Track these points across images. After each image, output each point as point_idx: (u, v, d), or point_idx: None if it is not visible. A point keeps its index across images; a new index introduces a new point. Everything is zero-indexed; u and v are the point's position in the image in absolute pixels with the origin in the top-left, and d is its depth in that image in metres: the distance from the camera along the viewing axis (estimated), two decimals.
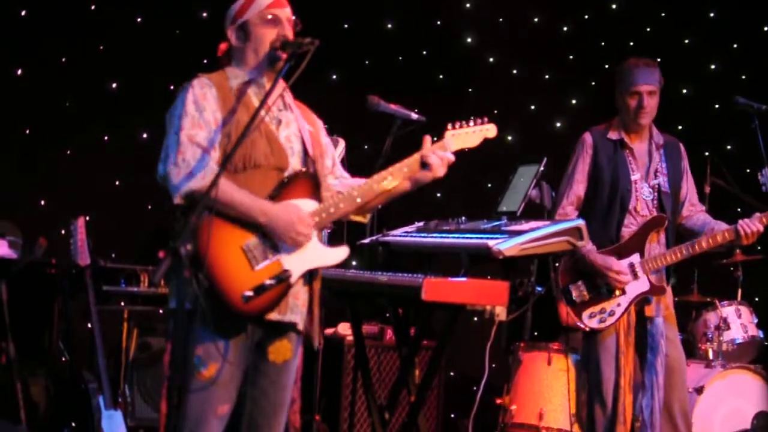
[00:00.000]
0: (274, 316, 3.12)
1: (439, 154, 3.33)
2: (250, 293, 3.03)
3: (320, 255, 3.22)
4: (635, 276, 4.58)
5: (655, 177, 4.69)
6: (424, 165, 3.33)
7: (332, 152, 3.48)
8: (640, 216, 4.65)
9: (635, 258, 4.60)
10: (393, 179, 3.31)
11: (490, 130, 3.54)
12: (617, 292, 4.56)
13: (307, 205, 3.19)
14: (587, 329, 4.59)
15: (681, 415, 4.64)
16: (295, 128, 3.29)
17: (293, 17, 3.29)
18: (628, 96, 4.65)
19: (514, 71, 7.65)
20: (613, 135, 4.71)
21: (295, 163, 3.23)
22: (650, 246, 4.63)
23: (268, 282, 3.07)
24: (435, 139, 3.41)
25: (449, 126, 3.43)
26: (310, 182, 3.24)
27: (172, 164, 3.07)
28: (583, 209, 4.72)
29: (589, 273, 4.58)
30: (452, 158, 3.37)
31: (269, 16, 3.23)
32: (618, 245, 4.61)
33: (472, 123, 3.49)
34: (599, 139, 4.72)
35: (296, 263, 3.14)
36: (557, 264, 6.48)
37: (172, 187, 3.06)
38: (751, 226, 4.56)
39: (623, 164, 4.67)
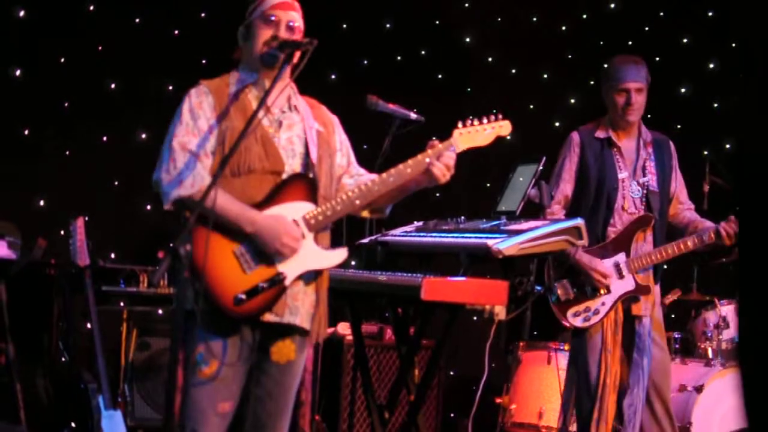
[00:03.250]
0: (270, 317, 3.13)
1: (444, 161, 3.30)
2: (242, 296, 3.06)
3: (316, 257, 3.21)
4: (620, 275, 4.59)
5: (643, 175, 4.69)
6: (428, 170, 3.31)
7: (348, 150, 3.45)
8: (627, 214, 4.64)
9: (621, 257, 4.60)
10: (395, 180, 3.30)
11: (504, 127, 3.50)
12: (602, 291, 4.57)
13: (302, 208, 3.19)
14: (571, 328, 4.60)
15: (665, 416, 4.65)
16: (299, 130, 3.27)
17: (296, 24, 3.25)
18: (615, 93, 4.66)
19: (513, 70, 7.66)
20: (600, 133, 4.71)
21: (295, 166, 3.22)
22: (637, 245, 4.63)
23: (261, 285, 3.08)
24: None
25: (459, 124, 3.40)
26: (307, 185, 3.22)
27: (164, 171, 3.12)
28: (570, 208, 4.72)
29: (574, 271, 4.59)
30: (452, 164, 3.32)
31: (269, 17, 3.22)
32: (604, 244, 4.61)
33: (485, 120, 3.45)
34: (586, 138, 4.72)
35: (291, 266, 3.15)
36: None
37: (163, 193, 3.11)
38: (730, 228, 4.59)
39: (610, 163, 4.66)
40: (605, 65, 4.78)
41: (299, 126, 3.28)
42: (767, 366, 1.48)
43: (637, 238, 4.63)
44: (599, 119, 4.79)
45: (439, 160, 3.31)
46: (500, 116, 3.48)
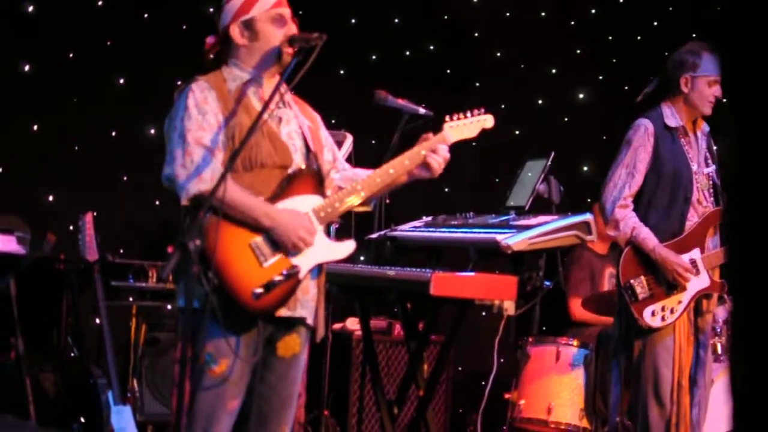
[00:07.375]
0: (284, 312, 3.14)
1: (440, 153, 3.36)
2: (260, 290, 3.05)
3: (328, 249, 3.24)
4: (697, 272, 4.44)
5: (707, 165, 4.53)
6: (425, 163, 3.36)
7: (332, 146, 3.49)
8: (702, 207, 4.47)
9: (696, 253, 4.46)
10: (395, 172, 3.33)
11: (487, 121, 3.56)
12: (678, 289, 4.42)
13: (311, 201, 3.21)
14: (647, 328, 4.40)
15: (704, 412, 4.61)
16: (295, 125, 3.30)
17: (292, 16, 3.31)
18: (709, 83, 4.44)
19: (521, 65, 7.64)
20: (671, 122, 4.49)
21: (298, 160, 3.25)
22: (708, 241, 4.50)
23: (277, 278, 3.08)
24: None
25: (447, 118, 3.46)
26: (314, 178, 3.25)
27: (179, 166, 3.08)
28: (642, 201, 4.51)
29: (651, 268, 4.42)
30: (448, 156, 3.39)
31: (275, 15, 3.23)
32: (680, 239, 4.45)
33: (469, 114, 3.52)
34: (659, 128, 4.48)
35: (304, 258, 3.16)
36: (565, 259, 6.48)
37: (180, 188, 3.07)
38: None
39: (682, 154, 4.48)
40: (700, 49, 4.49)
41: (294, 121, 3.32)
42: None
43: (710, 233, 4.50)
44: (658, 106, 4.55)
45: (435, 153, 3.36)
46: (483, 110, 3.55)
